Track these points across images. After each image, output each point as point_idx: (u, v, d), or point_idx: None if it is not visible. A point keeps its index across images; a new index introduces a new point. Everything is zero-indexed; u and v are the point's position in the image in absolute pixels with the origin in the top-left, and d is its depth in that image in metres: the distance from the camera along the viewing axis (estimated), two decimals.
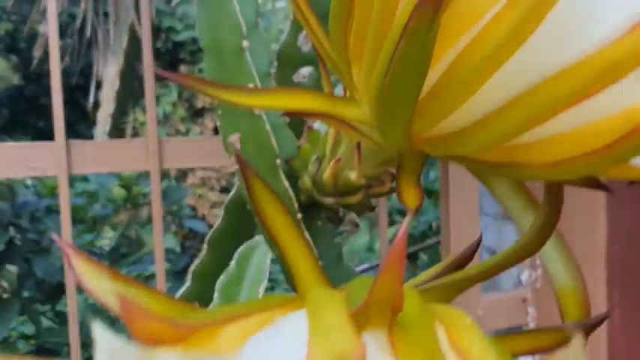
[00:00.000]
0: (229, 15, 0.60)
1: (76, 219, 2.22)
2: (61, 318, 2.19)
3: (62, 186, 0.92)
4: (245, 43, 0.58)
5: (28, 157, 0.92)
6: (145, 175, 1.98)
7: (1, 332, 1.84)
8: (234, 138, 0.61)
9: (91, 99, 3.28)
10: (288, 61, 0.70)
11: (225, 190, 6.21)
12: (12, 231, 1.92)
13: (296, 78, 0.71)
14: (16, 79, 6.33)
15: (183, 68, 5.63)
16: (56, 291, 2.21)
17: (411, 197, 0.33)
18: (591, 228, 1.09)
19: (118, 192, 1.84)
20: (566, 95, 0.23)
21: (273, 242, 0.31)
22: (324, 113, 0.38)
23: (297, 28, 0.71)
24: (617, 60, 0.21)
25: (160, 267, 0.98)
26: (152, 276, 2.55)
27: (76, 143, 0.93)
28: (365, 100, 0.36)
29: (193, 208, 5.22)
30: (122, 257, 2.46)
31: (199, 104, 6.26)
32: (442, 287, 0.31)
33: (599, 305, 1.10)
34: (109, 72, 2.89)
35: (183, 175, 5.89)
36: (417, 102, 0.29)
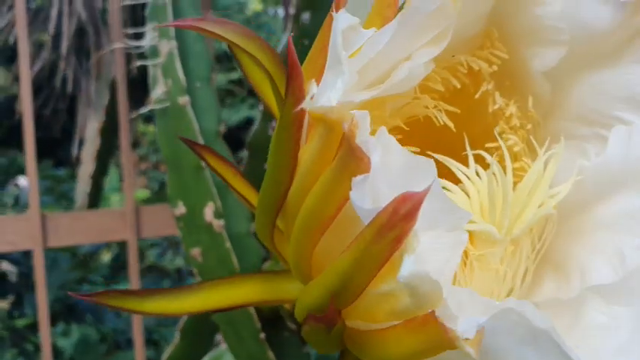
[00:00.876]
0: (188, 129, 0.59)
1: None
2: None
3: (37, 260, 0.92)
4: (204, 164, 0.58)
5: (3, 230, 0.91)
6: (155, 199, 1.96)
7: None
8: (196, 252, 0.60)
9: (75, 154, 3.28)
10: (259, 150, 0.69)
11: None
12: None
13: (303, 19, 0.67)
14: (15, 90, 6.32)
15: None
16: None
17: None
18: None
19: None
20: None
21: None
22: (266, 301, 0.37)
23: (267, 117, 0.70)
24: None
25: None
26: None
27: (51, 215, 0.93)
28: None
29: None
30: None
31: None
32: None
33: None
34: (91, 128, 2.90)
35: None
36: None
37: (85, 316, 2.29)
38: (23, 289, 1.93)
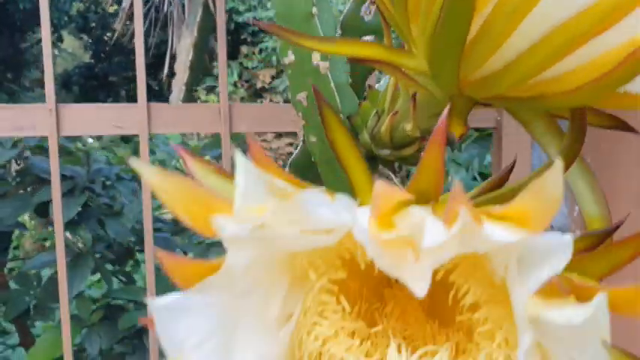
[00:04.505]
0: None
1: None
2: (129, 278, 2.35)
3: (143, 144, 1.02)
4: (314, 10, 0.65)
5: (114, 117, 1.02)
6: (209, 146, 2.09)
7: (77, 286, 2.00)
8: (302, 96, 0.68)
9: (166, 70, 3.44)
10: (351, 30, 0.77)
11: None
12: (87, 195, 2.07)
13: (363, 12, 0.76)
14: (86, 58, 6.63)
15: (244, 49, 5.77)
16: (124, 254, 2.37)
17: (457, 129, 0.39)
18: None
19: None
20: (582, 33, 0.29)
21: (340, 161, 0.38)
22: (384, 61, 0.44)
23: (359, 0, 0.77)
24: (620, 2, 0.27)
25: None
26: (213, 244, 2.69)
27: (156, 106, 1.03)
28: (421, 52, 0.42)
29: None
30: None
31: (259, 84, 6.40)
32: (480, 202, 0.37)
33: None
34: (183, 44, 3.03)
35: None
36: (464, 48, 0.35)
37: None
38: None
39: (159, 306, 0.22)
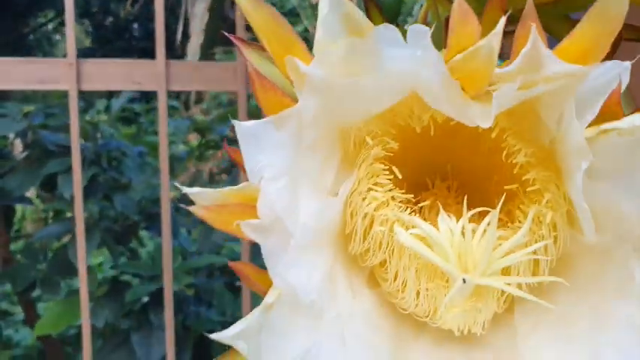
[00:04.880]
0: None
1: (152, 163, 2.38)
2: (133, 254, 2.37)
3: (161, 99, 1.04)
4: None
5: (132, 72, 1.04)
6: (217, 122, 2.10)
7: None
8: None
9: (179, 35, 3.44)
10: None
11: None
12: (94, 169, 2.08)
13: None
14: (87, 43, 6.62)
15: None
16: (128, 231, 2.39)
17: None
18: None
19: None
20: None
21: None
22: None
23: None
24: None
25: None
26: None
27: (174, 63, 1.04)
28: None
29: None
30: None
31: None
32: None
33: None
34: (198, 8, 3.03)
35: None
36: None
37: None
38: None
39: (244, 130, 0.24)
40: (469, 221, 0.29)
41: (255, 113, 1.36)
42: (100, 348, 2.17)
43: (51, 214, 2.51)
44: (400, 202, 0.32)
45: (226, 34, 0.37)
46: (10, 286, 2.32)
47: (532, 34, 0.22)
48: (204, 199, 0.25)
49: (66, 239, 2.31)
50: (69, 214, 2.08)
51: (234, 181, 3.14)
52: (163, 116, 1.04)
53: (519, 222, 0.31)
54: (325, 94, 0.27)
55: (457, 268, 0.27)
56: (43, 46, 6.22)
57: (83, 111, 2.39)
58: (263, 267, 0.27)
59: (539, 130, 0.29)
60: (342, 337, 0.28)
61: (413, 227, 0.29)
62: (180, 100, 3.89)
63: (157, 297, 2.19)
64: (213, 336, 0.24)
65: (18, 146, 3.39)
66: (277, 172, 0.26)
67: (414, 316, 0.34)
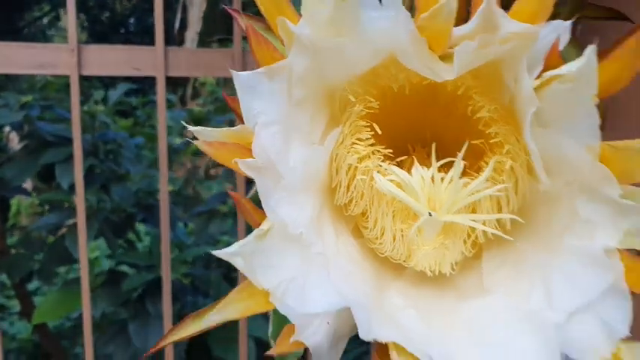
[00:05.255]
0: None
1: (149, 155, 2.43)
2: (130, 244, 2.41)
3: (159, 84, 1.08)
4: None
5: (132, 58, 1.08)
6: (214, 113, 2.14)
7: (78, 250, 2.06)
8: None
9: (177, 24, 3.48)
10: None
11: None
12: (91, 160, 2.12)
13: None
14: (83, 37, 6.65)
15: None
16: (125, 223, 2.43)
17: None
18: None
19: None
20: None
21: None
22: None
23: None
24: None
25: None
26: (213, 215, 2.75)
27: (172, 49, 1.08)
28: None
29: None
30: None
31: None
32: None
33: None
34: None
35: None
36: None
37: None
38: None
39: (241, 80, 0.28)
40: (440, 172, 0.34)
41: None
42: (98, 337, 2.20)
43: (47, 207, 2.56)
44: (381, 156, 0.37)
45: (224, 6, 0.41)
46: (7, 277, 2.35)
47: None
48: (206, 136, 0.29)
49: (63, 230, 2.35)
50: (66, 204, 2.12)
51: (230, 175, 3.18)
52: (161, 103, 1.08)
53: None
54: (312, 54, 0.31)
55: (425, 207, 0.31)
56: (39, 40, 6.24)
57: (81, 102, 2.43)
58: None
59: (502, 91, 0.33)
60: (327, 270, 0.32)
61: (391, 175, 0.34)
62: (177, 95, 3.93)
63: (154, 287, 2.23)
64: (215, 252, 0.28)
65: (14, 139, 3.42)
66: (270, 119, 0.30)
67: (392, 259, 0.38)
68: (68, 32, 1.05)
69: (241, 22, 0.39)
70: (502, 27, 0.28)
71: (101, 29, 6.63)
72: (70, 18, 1.04)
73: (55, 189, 2.33)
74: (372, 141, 0.36)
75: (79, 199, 1.17)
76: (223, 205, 2.91)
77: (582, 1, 0.40)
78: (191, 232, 3.05)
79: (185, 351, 2.28)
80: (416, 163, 0.35)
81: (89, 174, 2.15)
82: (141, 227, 2.71)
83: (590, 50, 0.25)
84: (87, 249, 1.21)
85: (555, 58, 0.27)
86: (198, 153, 3.27)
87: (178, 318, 2.05)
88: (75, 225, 2.06)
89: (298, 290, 0.29)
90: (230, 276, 2.60)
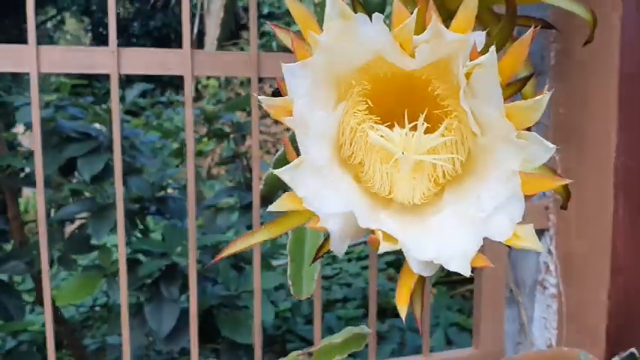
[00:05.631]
0: None
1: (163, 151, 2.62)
2: (144, 234, 2.60)
3: (187, 83, 1.27)
4: None
5: (163, 60, 1.27)
6: (223, 110, 2.34)
7: (100, 237, 2.25)
8: None
9: (195, 29, 3.70)
10: None
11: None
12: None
13: None
14: (87, 41, 6.86)
15: (244, 34, 6.06)
16: (136, 215, 2.62)
17: None
18: (603, 142, 1.37)
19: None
20: None
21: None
22: None
23: None
24: None
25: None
26: (220, 209, 2.93)
27: (198, 52, 1.28)
28: None
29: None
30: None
31: None
32: None
33: (607, 205, 1.38)
34: (214, 7, 3.30)
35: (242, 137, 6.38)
36: None
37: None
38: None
39: (287, 68, 0.47)
40: (411, 130, 0.53)
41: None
42: (115, 318, 2.38)
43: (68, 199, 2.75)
44: (373, 122, 0.55)
45: (267, 22, 0.60)
46: (26, 265, 2.53)
47: (433, 18, 0.45)
48: (268, 103, 0.48)
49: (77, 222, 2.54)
50: (87, 195, 2.31)
51: (235, 170, 3.35)
52: (188, 97, 1.27)
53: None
54: (328, 53, 0.50)
55: (400, 150, 0.50)
56: (45, 43, 6.47)
57: (101, 101, 2.63)
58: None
59: (451, 76, 0.52)
60: (338, 190, 0.51)
61: (379, 132, 0.53)
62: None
63: (167, 272, 2.42)
64: (275, 171, 0.47)
65: (25, 139, 3.61)
66: (302, 93, 0.49)
67: (380, 195, 0.57)
68: (109, 37, 1.24)
69: (279, 32, 0.58)
70: (445, 36, 0.47)
71: (106, 32, 6.86)
72: (110, 24, 1.23)
73: (77, 181, 2.53)
74: (367, 112, 0.55)
75: (119, 195, 1.35)
76: (230, 198, 3.09)
77: (515, 15, 0.59)
78: (200, 225, 3.24)
79: (198, 331, 2.45)
80: (396, 125, 0.54)
81: (107, 168, 2.34)
82: (149, 219, 2.88)
83: (492, 49, 0.44)
84: (124, 242, 1.38)
85: (476, 54, 0.46)
86: (201, 153, 3.44)
87: (189, 302, 2.20)
88: (96, 213, 2.25)
89: (319, 199, 0.48)
90: (238, 265, 2.79)
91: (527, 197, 0.47)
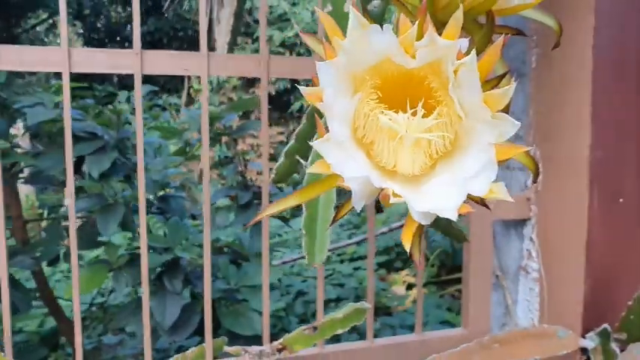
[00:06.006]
0: None
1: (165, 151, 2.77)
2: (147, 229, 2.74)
3: (203, 82, 1.43)
4: None
5: (182, 61, 1.43)
6: (226, 111, 2.50)
7: (107, 232, 2.39)
8: None
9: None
10: None
11: (273, 159, 6.91)
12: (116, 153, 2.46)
13: (370, 6, 1.18)
14: (79, 44, 6.99)
15: (238, 39, 6.24)
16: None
17: None
18: (578, 138, 1.54)
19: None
20: None
21: None
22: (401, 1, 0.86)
23: None
24: None
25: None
26: (218, 208, 3.09)
27: (213, 54, 1.44)
28: None
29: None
30: None
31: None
32: None
33: (582, 198, 1.55)
34: (224, 13, 3.49)
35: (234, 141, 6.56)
36: None
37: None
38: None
39: (320, 66, 0.64)
40: (413, 115, 0.69)
41: (245, 104, 1.80)
42: (121, 310, 2.53)
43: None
44: (382, 109, 0.72)
45: (300, 32, 0.77)
46: (33, 261, 2.67)
47: (430, 29, 0.62)
48: (305, 92, 0.65)
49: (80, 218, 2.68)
50: (95, 191, 2.45)
51: (230, 172, 3.49)
52: (205, 95, 1.43)
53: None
54: (348, 55, 0.67)
55: (404, 129, 0.67)
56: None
57: (101, 103, 2.78)
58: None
59: (442, 73, 0.69)
60: (356, 160, 0.68)
61: (387, 116, 0.69)
62: (181, 99, 4.32)
63: (170, 267, 2.57)
64: (312, 143, 0.63)
65: (25, 140, 3.75)
66: (329, 84, 0.66)
67: (387, 168, 0.73)
68: (133, 41, 1.40)
69: (306, 38, 0.75)
70: (438, 42, 0.64)
71: (97, 36, 7.01)
72: (134, 29, 1.39)
73: (83, 178, 2.67)
74: (377, 101, 0.72)
75: (141, 196, 1.50)
76: (226, 198, 3.25)
77: (493, 24, 0.76)
78: (196, 225, 3.38)
79: (198, 323, 2.60)
80: (400, 111, 0.71)
81: (114, 165, 2.49)
82: (148, 219, 3.02)
83: (473, 52, 0.61)
84: (146, 240, 1.53)
85: (461, 55, 0.62)
86: (193, 158, 3.58)
87: (192, 296, 2.41)
88: (103, 208, 2.40)
89: (343, 165, 0.65)
90: (237, 261, 2.94)
91: (499, 162, 0.64)
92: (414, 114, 0.69)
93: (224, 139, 3.19)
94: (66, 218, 2.59)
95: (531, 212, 1.70)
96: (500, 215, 1.70)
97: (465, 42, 0.63)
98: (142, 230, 1.52)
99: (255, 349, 1.53)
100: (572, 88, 1.55)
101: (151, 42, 6.79)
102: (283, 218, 3.16)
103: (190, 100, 5.68)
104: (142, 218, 1.49)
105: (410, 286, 4.61)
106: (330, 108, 0.66)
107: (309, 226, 1.04)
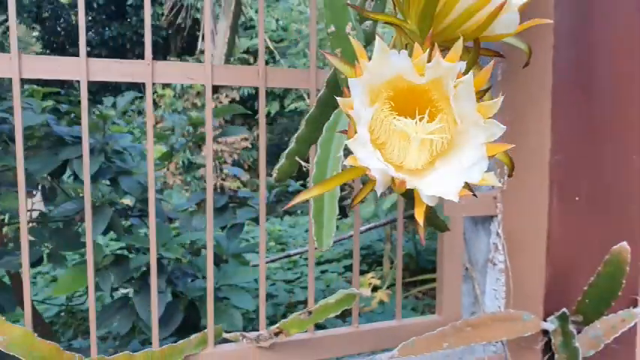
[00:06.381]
0: None
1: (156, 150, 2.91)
2: (128, 231, 2.88)
3: (207, 90, 1.61)
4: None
5: (188, 71, 1.60)
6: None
7: (96, 232, 2.52)
8: (338, 51, 1.29)
9: (199, 45, 4.02)
10: (360, 17, 1.38)
11: (236, 163, 7.06)
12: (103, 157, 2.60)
13: (363, 26, 1.38)
14: (38, 47, 7.00)
15: None
16: (127, 213, 2.89)
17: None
18: (539, 143, 1.78)
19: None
20: (475, 10, 0.92)
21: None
22: (397, 24, 1.06)
23: None
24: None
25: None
26: (194, 211, 3.22)
27: (216, 65, 1.62)
28: (413, 21, 1.05)
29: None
30: None
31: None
32: None
33: (543, 196, 1.79)
34: (220, 26, 3.64)
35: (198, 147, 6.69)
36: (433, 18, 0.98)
37: None
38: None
39: (351, 81, 0.83)
40: (420, 121, 0.89)
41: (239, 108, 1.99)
42: (107, 308, 2.66)
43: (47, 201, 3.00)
44: (395, 115, 0.92)
45: (321, 50, 0.96)
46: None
47: (437, 55, 0.82)
48: (341, 101, 0.84)
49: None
50: (81, 194, 2.57)
51: (186, 184, 3.63)
52: (209, 104, 1.61)
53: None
54: (370, 73, 0.86)
55: (414, 131, 0.87)
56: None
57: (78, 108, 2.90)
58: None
59: (444, 88, 0.89)
60: (376, 156, 0.87)
61: (400, 121, 0.89)
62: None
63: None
64: (346, 142, 0.82)
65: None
66: (356, 96, 0.85)
67: (396, 164, 0.93)
68: (145, 52, 1.57)
69: (329, 57, 0.94)
70: (442, 64, 0.84)
71: (57, 40, 7.02)
72: (146, 41, 1.56)
73: (65, 182, 2.79)
74: (390, 109, 0.92)
75: (151, 200, 1.66)
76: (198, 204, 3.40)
77: (479, 49, 0.97)
78: (175, 227, 3.52)
79: (181, 322, 2.75)
80: (409, 118, 0.91)
81: (100, 170, 2.62)
82: (134, 220, 3.14)
83: (470, 73, 0.81)
84: (154, 234, 1.68)
85: (460, 74, 0.83)
86: (162, 159, 3.69)
87: (174, 295, 2.59)
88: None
89: (368, 160, 0.84)
90: (216, 262, 3.09)
91: (490, 157, 0.85)
92: (421, 119, 0.89)
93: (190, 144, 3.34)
94: (38, 222, 2.71)
95: (497, 209, 1.93)
96: (470, 212, 1.92)
97: (462, 64, 0.83)
98: (152, 235, 1.67)
99: (252, 334, 1.71)
100: (535, 101, 1.79)
101: (113, 47, 6.83)
102: (256, 221, 3.33)
103: (155, 105, 5.78)
104: (152, 220, 1.64)
105: (375, 288, 4.83)
106: (358, 115, 0.85)
107: (317, 216, 1.23)
